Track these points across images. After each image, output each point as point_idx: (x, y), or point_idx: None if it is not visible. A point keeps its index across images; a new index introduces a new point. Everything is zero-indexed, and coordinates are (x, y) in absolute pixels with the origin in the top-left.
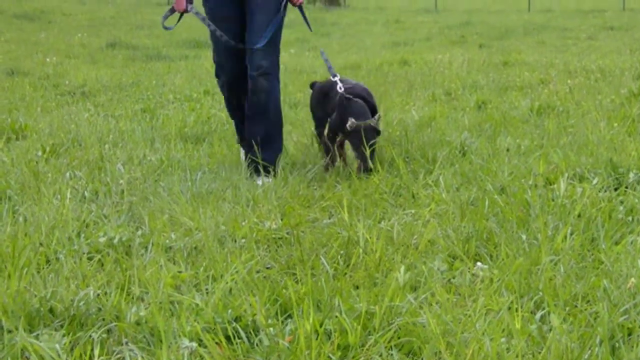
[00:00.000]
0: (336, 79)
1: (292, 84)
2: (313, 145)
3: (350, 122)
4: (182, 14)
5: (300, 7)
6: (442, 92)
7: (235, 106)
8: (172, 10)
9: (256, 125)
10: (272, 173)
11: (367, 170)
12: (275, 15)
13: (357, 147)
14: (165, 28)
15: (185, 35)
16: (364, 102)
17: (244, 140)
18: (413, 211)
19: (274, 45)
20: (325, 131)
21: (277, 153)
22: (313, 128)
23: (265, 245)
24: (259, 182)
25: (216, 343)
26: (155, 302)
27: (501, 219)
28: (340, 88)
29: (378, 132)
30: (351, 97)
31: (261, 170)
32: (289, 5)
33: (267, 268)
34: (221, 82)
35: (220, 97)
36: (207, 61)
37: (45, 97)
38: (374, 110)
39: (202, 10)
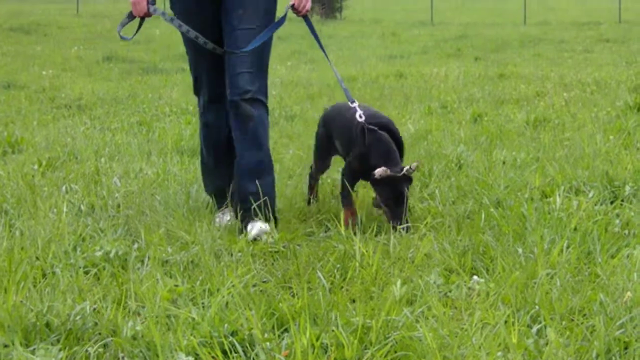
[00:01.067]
0: (354, 105)
1: (288, 97)
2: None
3: (381, 171)
4: (142, 19)
5: (306, 18)
6: (438, 105)
7: (218, 137)
8: (131, 17)
9: (246, 156)
10: (270, 218)
11: (404, 228)
12: (264, 22)
13: (387, 200)
14: (122, 38)
15: (182, 48)
16: (389, 136)
17: (219, 188)
18: (409, 224)
19: (263, 67)
20: (343, 170)
21: (273, 187)
22: (312, 165)
23: (262, 259)
24: (254, 232)
25: (212, 357)
26: (152, 316)
27: (497, 233)
28: (360, 116)
29: (411, 181)
30: (375, 128)
31: (258, 212)
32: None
33: (264, 282)
34: (201, 102)
35: None
36: None
37: (41, 111)
38: (400, 146)
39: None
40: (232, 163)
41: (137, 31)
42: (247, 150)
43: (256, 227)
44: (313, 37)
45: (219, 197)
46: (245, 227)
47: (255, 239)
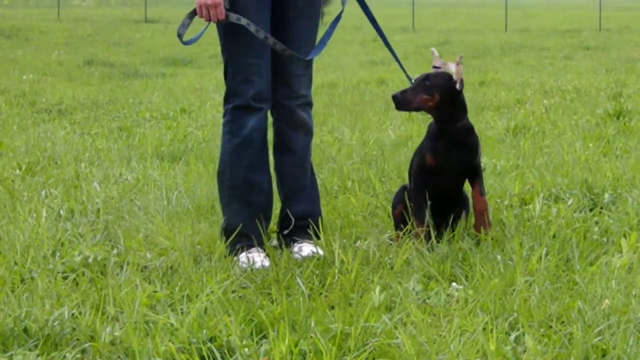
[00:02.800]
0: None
1: None
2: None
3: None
4: (209, 23)
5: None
6: None
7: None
8: (192, 17)
9: (295, 172)
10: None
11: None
12: (317, 22)
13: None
14: (185, 43)
15: (163, 53)
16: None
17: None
18: (389, 231)
19: (312, 72)
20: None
21: (319, 206)
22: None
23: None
24: (304, 252)
25: None
26: (130, 322)
27: (478, 239)
28: None
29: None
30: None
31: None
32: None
33: (243, 288)
34: (245, 101)
35: (197, 115)
36: (184, 79)
37: (21, 115)
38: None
39: None
40: (268, 180)
41: (200, 34)
42: (295, 166)
43: (306, 248)
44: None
45: (250, 228)
46: (292, 245)
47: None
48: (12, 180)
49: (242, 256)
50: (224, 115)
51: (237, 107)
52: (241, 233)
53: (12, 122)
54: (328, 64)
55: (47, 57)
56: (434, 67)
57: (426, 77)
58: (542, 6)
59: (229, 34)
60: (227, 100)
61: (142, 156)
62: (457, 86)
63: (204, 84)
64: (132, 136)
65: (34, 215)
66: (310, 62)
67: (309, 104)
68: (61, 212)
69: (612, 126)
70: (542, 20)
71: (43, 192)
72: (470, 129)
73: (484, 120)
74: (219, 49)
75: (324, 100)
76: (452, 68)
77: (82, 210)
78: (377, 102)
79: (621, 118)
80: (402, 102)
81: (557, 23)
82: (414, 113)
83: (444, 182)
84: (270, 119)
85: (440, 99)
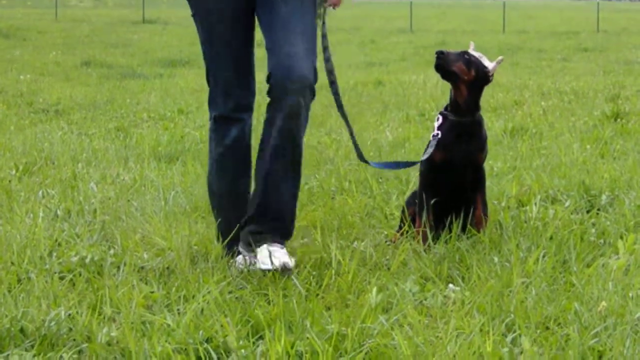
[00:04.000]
0: None
1: (264, 103)
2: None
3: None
4: None
5: None
6: (416, 112)
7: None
8: None
9: (273, 164)
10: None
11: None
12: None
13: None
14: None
15: (160, 53)
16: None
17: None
18: (386, 232)
19: (315, 49)
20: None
21: (294, 201)
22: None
23: None
24: (264, 264)
25: None
26: (127, 323)
27: (474, 241)
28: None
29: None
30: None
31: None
32: None
33: (239, 289)
34: (225, 112)
35: (194, 115)
36: (181, 80)
37: (18, 115)
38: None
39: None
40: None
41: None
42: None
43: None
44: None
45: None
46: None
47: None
48: (9, 181)
49: (239, 258)
50: (209, 121)
51: (218, 117)
52: (235, 237)
53: (9, 122)
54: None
55: (44, 57)
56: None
57: (466, 52)
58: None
59: (207, 43)
60: (209, 106)
61: (139, 157)
62: (490, 76)
63: (202, 84)
64: (129, 137)
65: (31, 215)
66: (311, 39)
67: (311, 88)
68: (58, 212)
69: (610, 128)
70: (539, 22)
71: (40, 193)
72: (481, 122)
73: (484, 121)
74: None
75: (322, 101)
76: (487, 62)
77: (79, 210)
78: (375, 104)
79: (619, 120)
80: (445, 59)
81: (554, 25)
82: (412, 114)
83: (451, 181)
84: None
85: (474, 78)
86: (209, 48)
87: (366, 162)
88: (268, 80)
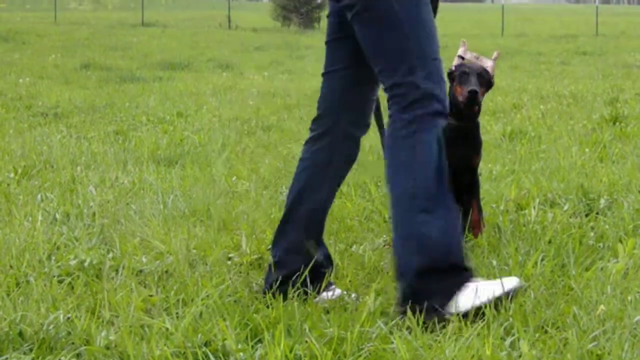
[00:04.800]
0: None
1: (265, 107)
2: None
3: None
4: None
5: None
6: None
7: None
8: None
9: None
10: None
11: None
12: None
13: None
14: None
15: (159, 56)
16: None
17: None
18: (384, 236)
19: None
20: None
21: None
22: None
23: (237, 270)
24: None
25: None
26: (125, 326)
27: (472, 244)
28: None
29: None
30: None
31: None
32: None
33: (237, 292)
34: (443, 106)
35: (193, 119)
36: (180, 83)
37: (17, 119)
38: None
39: None
40: None
41: None
42: None
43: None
44: None
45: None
46: None
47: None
48: (8, 184)
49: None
50: (413, 122)
51: (435, 114)
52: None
53: (8, 125)
54: None
55: (43, 60)
56: (460, 56)
57: (482, 71)
58: (538, 11)
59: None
60: (421, 102)
61: (138, 160)
62: (493, 80)
63: (201, 87)
64: (128, 140)
65: (30, 218)
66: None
67: None
68: (57, 215)
69: (609, 131)
70: (538, 26)
71: (39, 196)
72: (478, 126)
73: (480, 124)
74: (215, 52)
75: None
76: (488, 63)
77: (78, 214)
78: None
79: (617, 123)
80: (478, 96)
81: (553, 28)
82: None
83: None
84: None
85: (485, 92)
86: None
87: None
88: None
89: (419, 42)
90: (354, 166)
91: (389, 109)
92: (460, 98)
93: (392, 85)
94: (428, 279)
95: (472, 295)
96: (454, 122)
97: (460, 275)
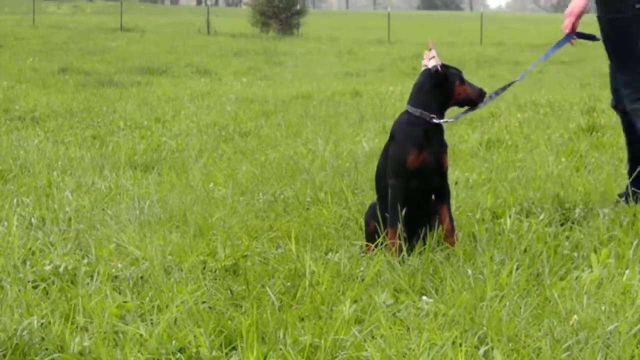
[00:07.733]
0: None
1: (243, 113)
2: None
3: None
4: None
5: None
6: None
7: None
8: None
9: None
10: None
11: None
12: None
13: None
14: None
15: (138, 61)
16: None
17: None
18: (360, 243)
19: None
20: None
21: None
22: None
23: (212, 276)
24: None
25: None
26: (100, 332)
27: (448, 253)
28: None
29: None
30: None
31: None
32: None
33: (213, 299)
34: None
35: (171, 124)
36: (158, 88)
37: None
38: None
39: None
40: None
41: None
42: None
43: None
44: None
45: None
46: None
47: None
48: None
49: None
50: None
51: None
52: None
53: None
54: (304, 75)
55: (21, 63)
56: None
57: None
58: (516, 19)
59: None
60: None
61: (115, 165)
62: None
63: (179, 93)
64: (105, 145)
65: (5, 223)
66: None
67: None
68: (32, 220)
69: (585, 141)
70: (516, 34)
71: (14, 200)
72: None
73: (458, 133)
74: (194, 58)
75: (299, 111)
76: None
77: (54, 218)
78: (352, 114)
79: (594, 133)
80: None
81: (532, 37)
82: (388, 125)
83: (420, 187)
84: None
85: None
86: None
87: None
88: None
89: None
90: (330, 173)
91: None
92: (472, 97)
93: None
94: None
95: None
96: (437, 120)
97: None
